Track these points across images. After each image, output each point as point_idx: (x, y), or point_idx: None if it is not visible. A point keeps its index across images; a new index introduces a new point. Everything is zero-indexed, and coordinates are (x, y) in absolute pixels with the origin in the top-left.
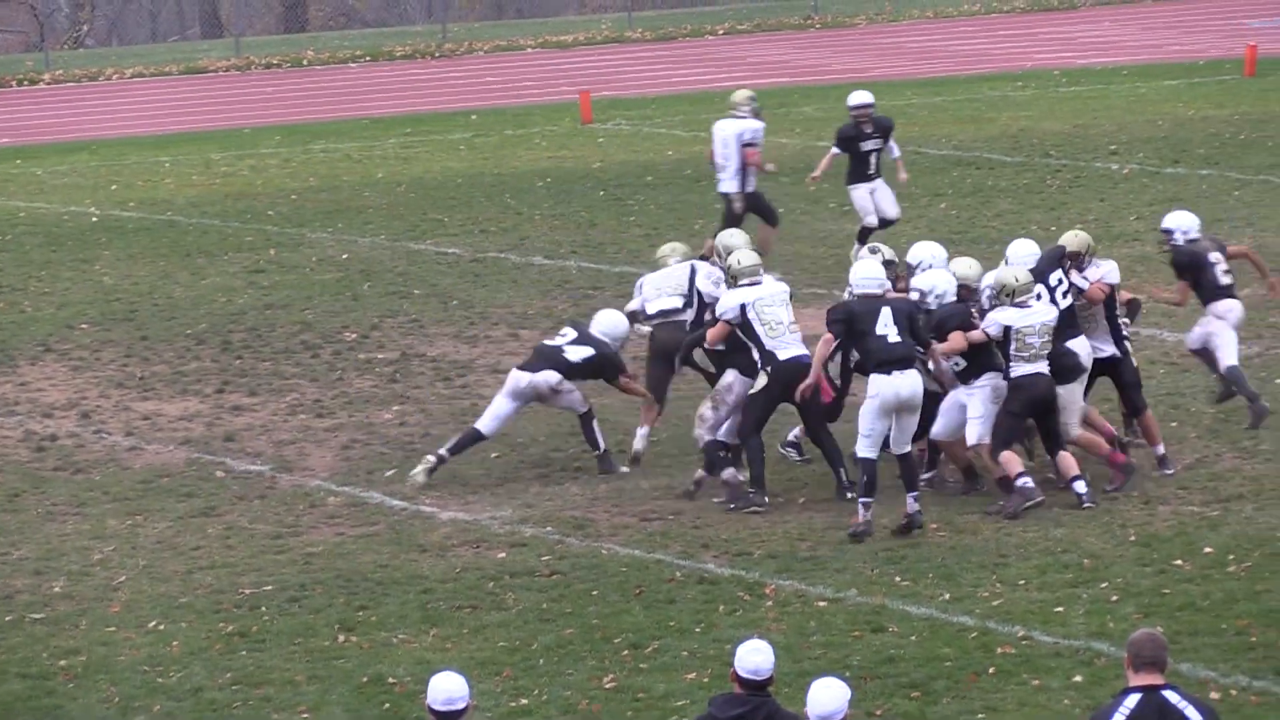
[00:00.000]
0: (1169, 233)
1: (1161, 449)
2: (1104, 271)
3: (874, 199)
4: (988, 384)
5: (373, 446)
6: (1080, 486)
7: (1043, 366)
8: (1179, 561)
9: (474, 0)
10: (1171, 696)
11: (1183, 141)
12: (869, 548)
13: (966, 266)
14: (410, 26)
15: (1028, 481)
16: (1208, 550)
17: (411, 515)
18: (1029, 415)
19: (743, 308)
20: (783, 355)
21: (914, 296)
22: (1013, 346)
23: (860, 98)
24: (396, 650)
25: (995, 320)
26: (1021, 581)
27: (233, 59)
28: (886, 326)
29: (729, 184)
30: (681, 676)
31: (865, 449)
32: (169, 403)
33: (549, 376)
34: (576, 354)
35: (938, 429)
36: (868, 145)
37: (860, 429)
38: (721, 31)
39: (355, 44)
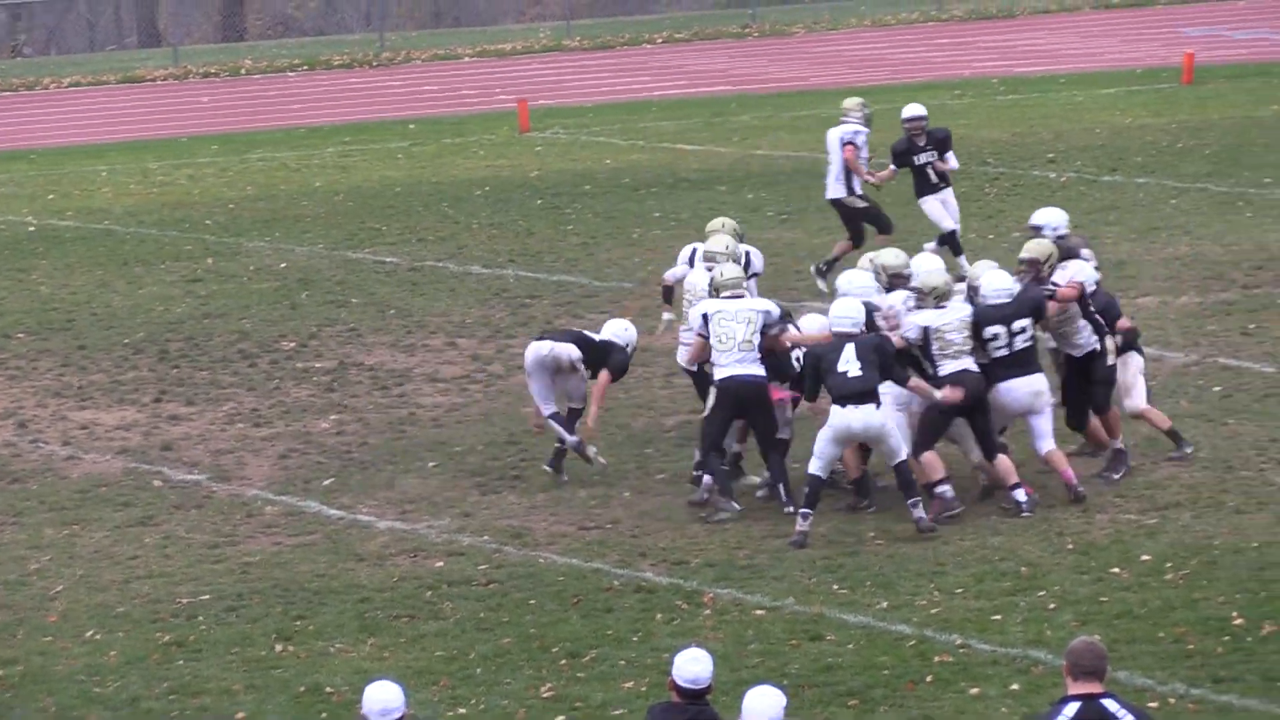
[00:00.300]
0: (1038, 229)
1: (1120, 442)
2: (1073, 272)
3: (947, 208)
4: (888, 392)
5: (310, 456)
6: (1020, 495)
7: (970, 363)
8: (1116, 569)
9: (412, 9)
10: (1110, 705)
11: (1120, 149)
12: (807, 556)
13: (893, 257)
14: (348, 35)
15: (947, 490)
16: (1145, 558)
17: (349, 524)
18: (958, 414)
19: (705, 318)
20: (720, 373)
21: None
22: (935, 346)
23: (912, 110)
24: (334, 660)
25: (913, 324)
26: (959, 590)
27: (170, 68)
28: (848, 363)
29: (835, 189)
30: (619, 685)
31: (814, 467)
32: (106, 412)
33: (571, 350)
34: (596, 336)
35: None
36: (922, 158)
37: (815, 448)
38: (660, 40)
39: (293, 53)
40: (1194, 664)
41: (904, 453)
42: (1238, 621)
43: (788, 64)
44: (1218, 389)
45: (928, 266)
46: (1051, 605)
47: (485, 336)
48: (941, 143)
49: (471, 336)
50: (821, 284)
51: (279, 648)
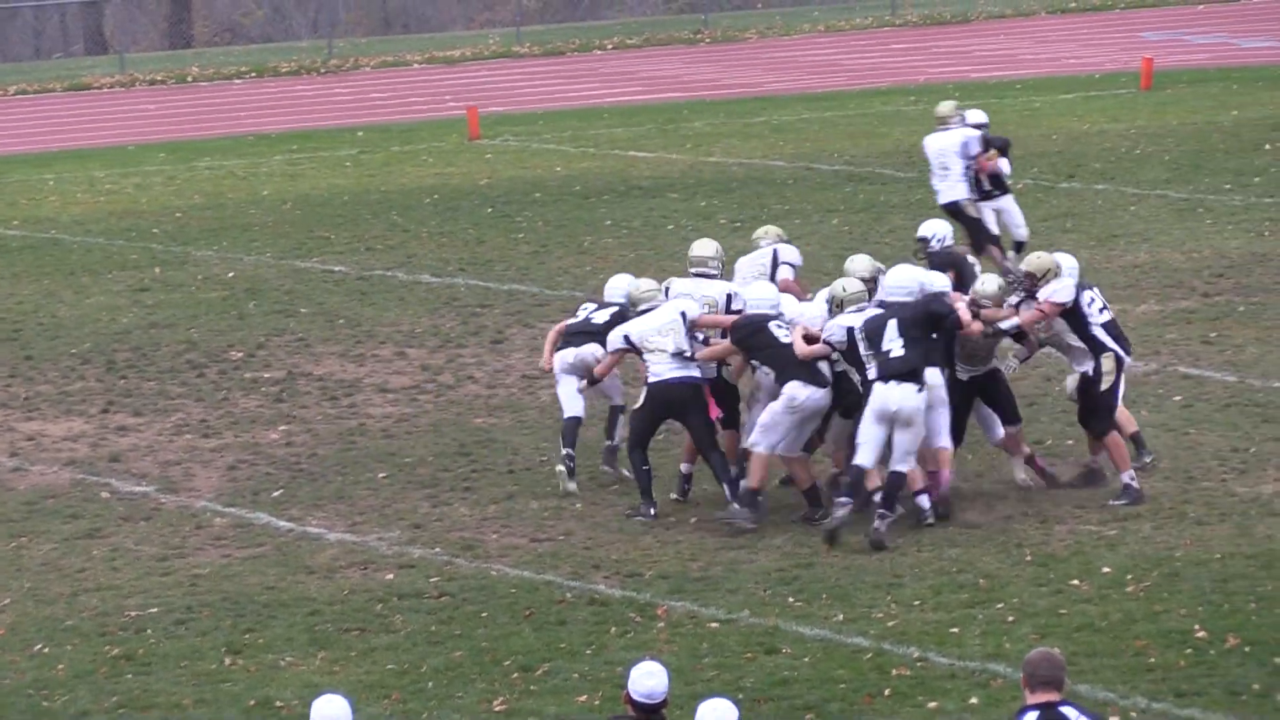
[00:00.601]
0: (924, 240)
1: (1130, 476)
2: (1051, 290)
3: (1004, 218)
4: (786, 393)
5: (259, 467)
6: (924, 501)
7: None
8: (1076, 582)
9: (360, 16)
10: (1069, 712)
11: (1078, 156)
12: (761, 568)
13: (861, 264)
14: (296, 42)
15: (926, 501)
16: (1105, 570)
17: (299, 537)
18: (886, 420)
19: (625, 338)
20: (652, 378)
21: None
22: (862, 349)
23: (976, 117)
24: (284, 673)
25: (835, 325)
26: (917, 602)
27: (117, 75)
28: (891, 341)
29: (954, 191)
30: (573, 699)
31: (864, 458)
32: (53, 423)
33: (594, 350)
34: (601, 317)
35: (782, 448)
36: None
37: (858, 437)
38: (611, 46)
39: (240, 60)
40: (1156, 678)
41: (912, 462)
42: (1200, 634)
43: (741, 70)
44: (1178, 398)
45: (853, 268)
46: (1010, 618)
47: (435, 346)
48: (1002, 149)
49: (421, 346)
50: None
51: (229, 661)
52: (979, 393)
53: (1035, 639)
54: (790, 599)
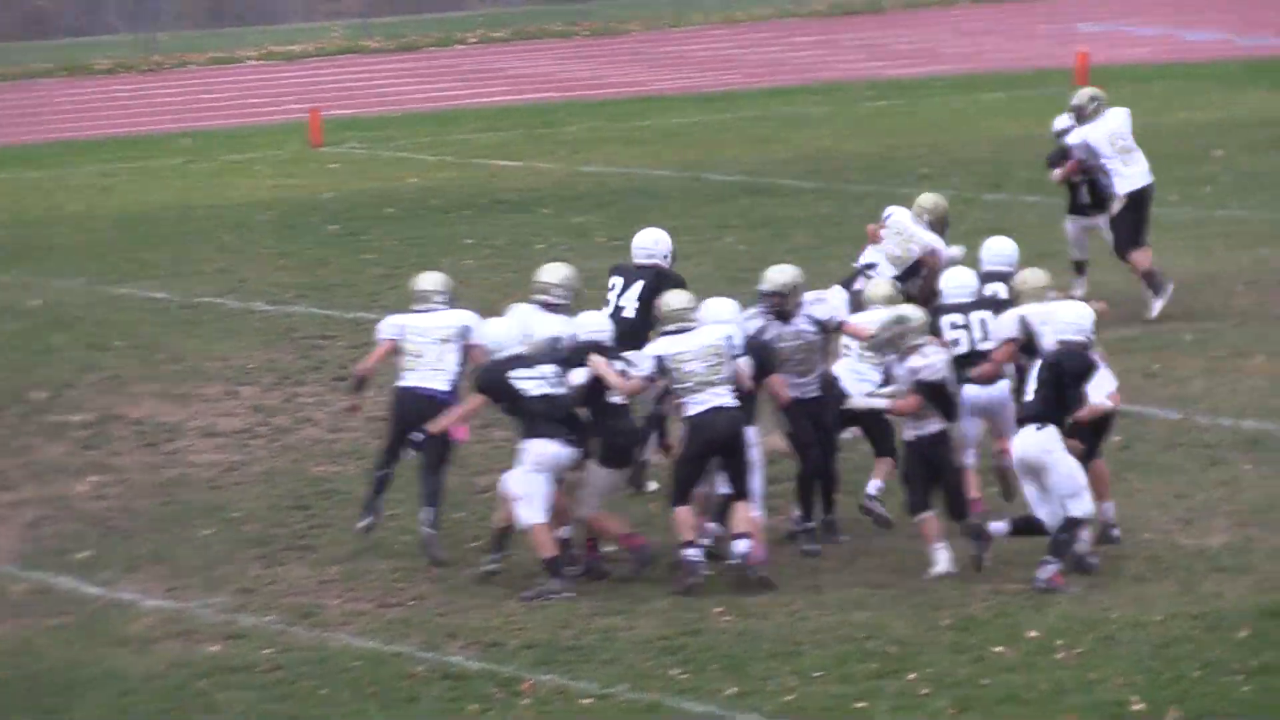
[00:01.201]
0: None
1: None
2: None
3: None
4: (531, 451)
5: (64, 524)
6: (691, 554)
7: (718, 397)
8: (999, 648)
9: (187, 6)
10: None
11: (1005, 164)
12: (642, 635)
13: (779, 272)
14: (112, 36)
15: (694, 554)
16: (1032, 634)
17: (109, 604)
18: (708, 456)
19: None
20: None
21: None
22: (674, 381)
23: (1062, 123)
24: None
25: (647, 354)
26: (818, 673)
27: None
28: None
29: (1137, 178)
30: None
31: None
32: None
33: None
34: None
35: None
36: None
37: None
38: (473, 40)
39: (47, 56)
40: None
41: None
42: (1138, 706)
43: (622, 67)
44: (1117, 439)
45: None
46: (924, 689)
47: (270, 384)
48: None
49: (254, 384)
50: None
51: None
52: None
53: (953, 713)
54: (675, 670)
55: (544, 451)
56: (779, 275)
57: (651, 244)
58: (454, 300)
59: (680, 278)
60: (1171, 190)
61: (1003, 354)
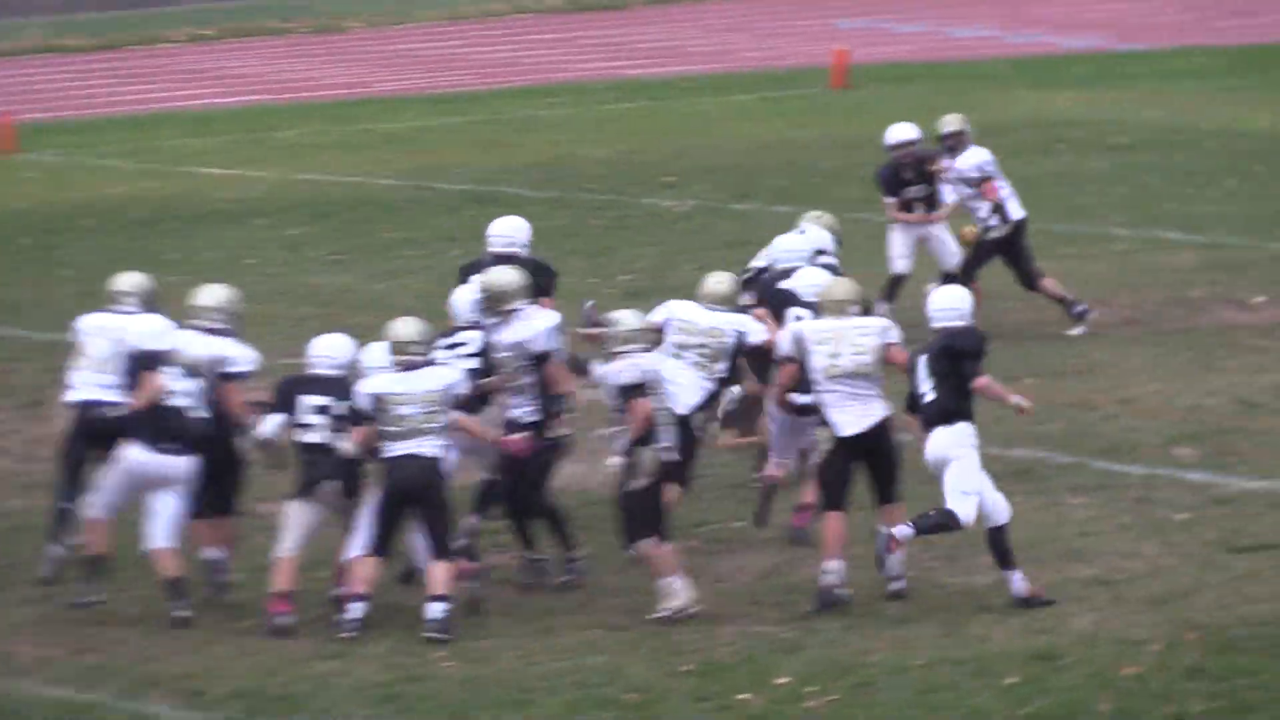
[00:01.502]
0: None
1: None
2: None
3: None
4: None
5: None
6: (355, 610)
7: (420, 445)
8: (745, 695)
9: None
10: None
11: (754, 170)
12: (361, 681)
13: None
14: None
15: (355, 610)
16: (781, 680)
17: None
18: (397, 507)
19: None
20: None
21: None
22: (386, 420)
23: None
24: None
25: (362, 389)
26: None
27: None
28: (924, 381)
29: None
30: None
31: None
32: None
33: None
34: None
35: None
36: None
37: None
38: (181, 38)
39: None
40: None
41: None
42: None
43: (342, 66)
44: None
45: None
46: None
47: None
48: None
49: None
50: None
51: None
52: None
53: None
54: None
55: (134, 457)
56: (498, 277)
57: (512, 231)
58: (152, 305)
59: (551, 268)
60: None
61: (785, 375)
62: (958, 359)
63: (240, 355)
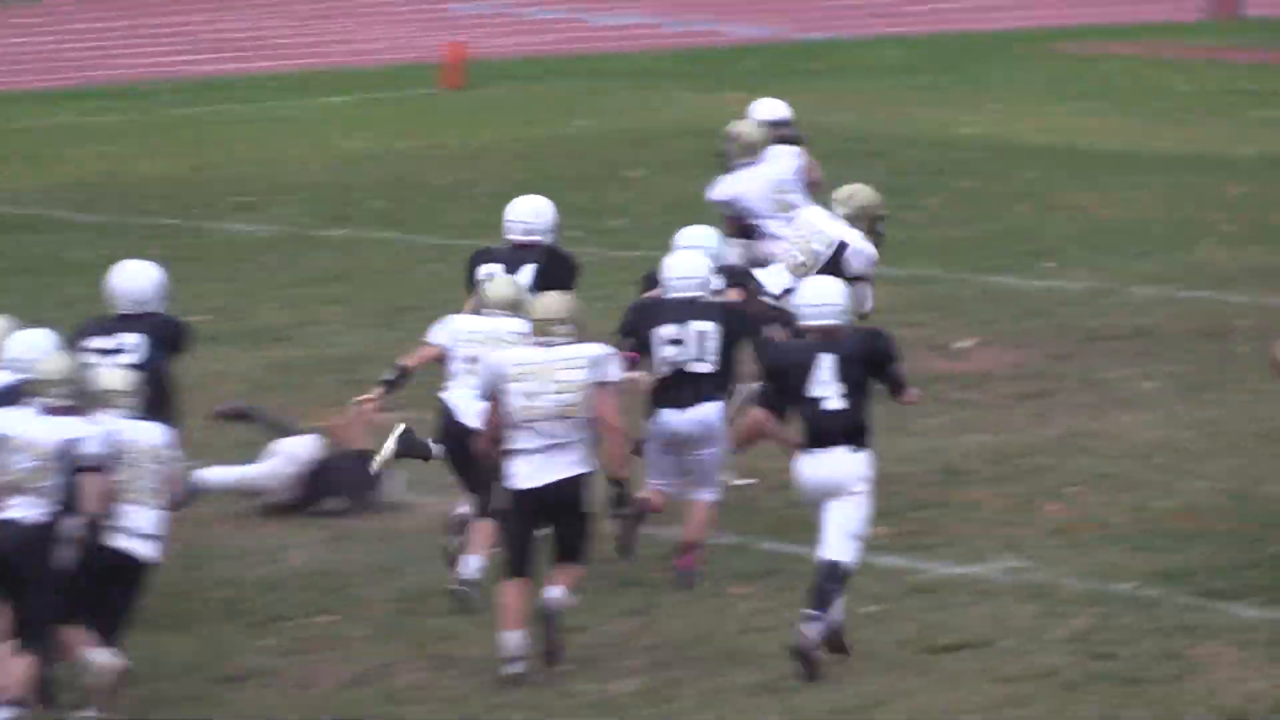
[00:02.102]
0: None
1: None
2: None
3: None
4: None
5: None
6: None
7: (25, 511)
8: None
9: None
10: None
11: (352, 189)
12: None
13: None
14: None
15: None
16: None
17: None
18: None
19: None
20: None
21: None
22: None
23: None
24: None
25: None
26: None
27: None
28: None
29: None
30: None
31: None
32: None
33: None
34: None
35: None
36: None
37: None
38: None
39: None
40: None
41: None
42: None
43: None
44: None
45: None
46: None
47: None
48: None
49: None
50: None
51: None
52: None
53: None
54: None
55: None
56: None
57: (533, 215)
58: None
59: (574, 260)
60: (572, 221)
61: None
62: (881, 366)
63: None
